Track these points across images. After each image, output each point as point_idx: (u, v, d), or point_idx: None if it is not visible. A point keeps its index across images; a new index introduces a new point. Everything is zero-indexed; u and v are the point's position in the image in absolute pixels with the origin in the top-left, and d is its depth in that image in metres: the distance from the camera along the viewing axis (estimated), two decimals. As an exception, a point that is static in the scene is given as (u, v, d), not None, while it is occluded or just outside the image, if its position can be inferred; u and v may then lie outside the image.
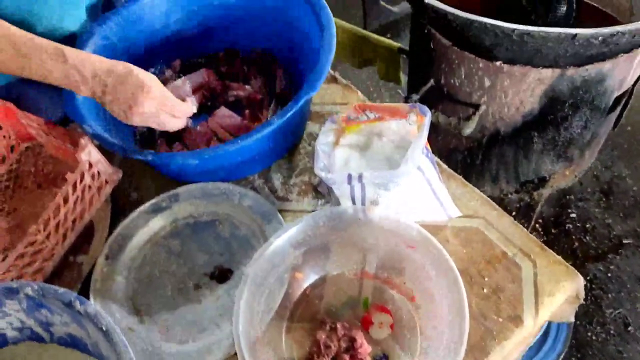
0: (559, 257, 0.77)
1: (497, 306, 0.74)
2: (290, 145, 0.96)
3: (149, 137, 0.97)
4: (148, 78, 0.75)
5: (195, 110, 0.84)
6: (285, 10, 0.96)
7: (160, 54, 1.03)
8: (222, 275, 0.81)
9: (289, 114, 0.79)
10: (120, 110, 0.76)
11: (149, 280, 0.82)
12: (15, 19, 0.81)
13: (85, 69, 0.74)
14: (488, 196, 1.18)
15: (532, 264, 0.77)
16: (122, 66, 0.75)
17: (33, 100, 0.94)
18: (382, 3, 2.18)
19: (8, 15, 0.80)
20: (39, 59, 0.74)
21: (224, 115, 0.98)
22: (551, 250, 0.78)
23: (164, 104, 0.77)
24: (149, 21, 0.99)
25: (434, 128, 0.95)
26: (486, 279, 0.77)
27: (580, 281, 0.77)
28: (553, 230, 1.66)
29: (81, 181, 0.81)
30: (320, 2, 0.89)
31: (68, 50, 0.75)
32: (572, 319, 0.82)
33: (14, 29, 0.75)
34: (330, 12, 0.89)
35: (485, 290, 0.76)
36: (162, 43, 1.02)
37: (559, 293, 0.75)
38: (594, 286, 1.58)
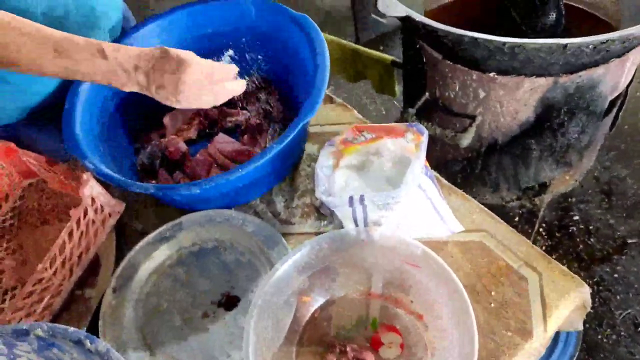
0: (564, 268, 0.78)
1: (505, 320, 0.74)
2: (290, 168, 0.96)
3: (150, 167, 0.98)
4: (184, 53, 0.72)
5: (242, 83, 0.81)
6: (279, 36, 0.97)
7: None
8: (229, 302, 0.81)
9: (287, 139, 0.80)
10: (169, 94, 0.73)
11: (157, 311, 0.82)
12: None
13: (129, 63, 0.72)
14: (489, 204, 1.18)
15: (538, 276, 0.77)
16: (156, 49, 0.73)
17: (35, 141, 0.95)
18: (373, 16, 2.20)
19: None
20: (82, 59, 0.71)
21: (223, 141, 0.98)
22: (556, 262, 0.78)
23: (209, 74, 0.74)
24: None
25: (431, 140, 0.95)
26: (493, 293, 0.77)
27: (587, 290, 0.77)
28: (557, 234, 1.67)
29: (85, 216, 0.81)
30: (313, 28, 0.90)
31: (107, 46, 0.72)
32: (581, 327, 0.83)
33: (50, 30, 0.72)
34: (323, 37, 0.90)
35: (492, 305, 0.76)
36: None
37: (566, 304, 0.75)
38: (601, 288, 1.57)
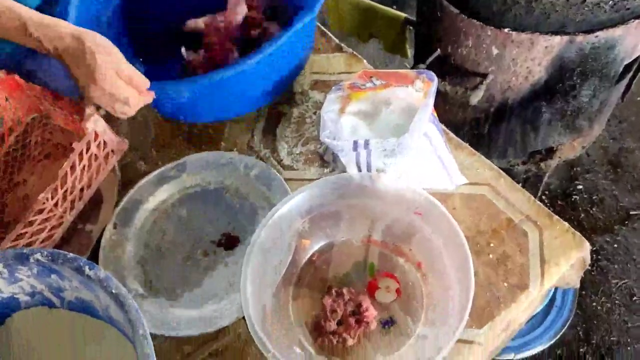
0: (566, 224, 0.77)
1: (503, 274, 0.74)
2: (288, 81, 0.94)
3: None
4: (100, 43, 0.70)
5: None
6: None
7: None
8: (229, 242, 0.81)
9: (291, 31, 0.77)
10: (85, 83, 0.72)
11: (158, 249, 0.83)
12: None
13: (46, 42, 0.70)
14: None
15: (539, 231, 0.77)
16: (75, 42, 0.70)
17: (45, 73, 0.94)
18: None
19: None
20: (9, 27, 0.71)
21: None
22: (558, 217, 0.78)
23: (121, 71, 0.71)
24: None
25: (440, 98, 0.94)
26: (493, 247, 0.77)
27: (587, 247, 0.76)
28: (560, 202, 1.66)
29: (87, 150, 0.80)
30: None
31: (29, 22, 0.71)
32: (578, 285, 0.82)
33: None
34: None
35: (491, 257, 0.76)
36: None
37: (565, 260, 0.75)
38: (600, 257, 1.58)
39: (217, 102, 0.87)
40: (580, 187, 1.70)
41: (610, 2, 0.88)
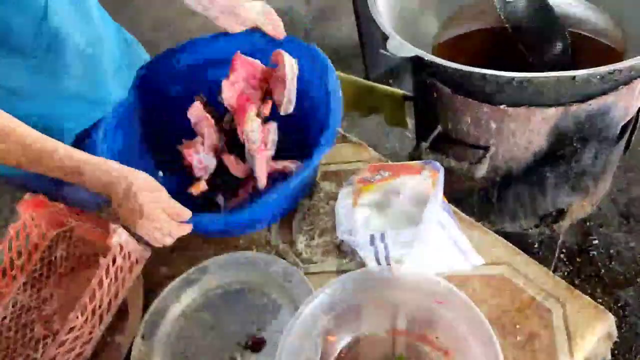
0: (588, 298, 0.78)
1: (532, 354, 0.74)
2: (301, 200, 1.00)
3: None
4: (143, 197, 0.75)
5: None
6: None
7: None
8: (256, 344, 0.82)
9: (307, 170, 0.83)
10: (129, 220, 0.77)
11: (186, 357, 0.83)
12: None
13: (95, 184, 0.76)
14: (508, 233, 1.18)
15: (562, 307, 0.78)
16: (124, 183, 0.76)
17: (68, 193, 0.99)
18: (382, 51, 2.24)
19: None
20: (61, 175, 0.77)
21: None
22: (579, 292, 0.79)
23: (162, 209, 0.77)
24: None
25: (446, 172, 0.96)
26: (518, 327, 0.77)
27: (611, 320, 0.77)
28: (578, 260, 1.65)
29: (113, 264, 0.83)
30: (328, 66, 0.93)
31: (84, 165, 0.76)
32: (609, 357, 0.82)
33: (23, 130, 0.76)
34: (336, 75, 0.93)
35: (518, 339, 0.76)
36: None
37: (591, 334, 0.75)
38: (627, 312, 1.55)
39: (243, 225, 0.94)
40: (596, 242, 1.70)
41: (598, 76, 0.93)
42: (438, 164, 0.79)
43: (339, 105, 0.89)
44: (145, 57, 1.19)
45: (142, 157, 1.00)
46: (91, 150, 0.84)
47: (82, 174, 0.76)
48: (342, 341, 0.77)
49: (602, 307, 0.77)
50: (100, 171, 0.76)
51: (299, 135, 1.04)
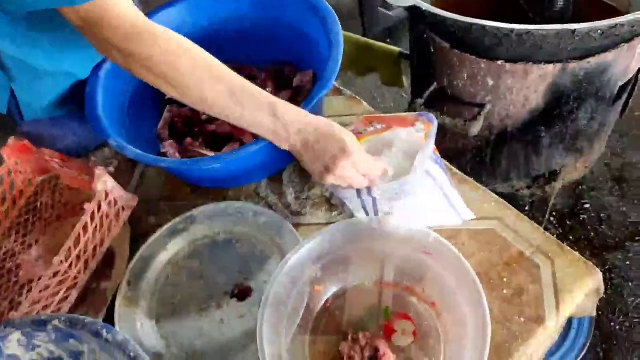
0: (577, 254, 0.77)
1: (519, 308, 0.74)
2: None
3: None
4: (349, 138, 0.72)
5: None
6: (299, 25, 0.97)
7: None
8: (242, 293, 0.81)
9: (310, 106, 0.80)
10: (316, 169, 0.74)
11: (172, 303, 0.83)
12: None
13: (293, 126, 0.73)
14: (500, 193, 1.17)
15: (551, 262, 0.77)
16: (324, 123, 0.73)
17: (58, 139, 0.96)
18: (380, 9, 2.19)
19: None
20: (252, 110, 0.73)
21: None
22: (569, 248, 0.78)
23: (359, 167, 0.73)
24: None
25: (441, 130, 0.95)
26: (506, 281, 0.76)
27: (600, 276, 0.76)
28: (568, 222, 1.65)
29: (99, 210, 0.82)
30: (330, 15, 0.90)
31: (279, 105, 0.73)
32: (594, 313, 0.82)
33: (230, 73, 0.74)
34: (339, 24, 0.90)
35: (505, 292, 0.75)
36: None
37: (579, 290, 0.75)
38: (614, 275, 1.56)
39: (241, 172, 0.91)
40: (588, 205, 1.70)
41: (599, 31, 0.90)
42: (432, 115, 0.76)
43: (341, 47, 0.86)
44: None
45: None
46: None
47: (275, 114, 0.73)
48: (329, 291, 0.77)
49: (591, 263, 0.76)
50: (300, 116, 0.73)
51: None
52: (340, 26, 0.89)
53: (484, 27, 0.93)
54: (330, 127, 0.73)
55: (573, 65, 1.02)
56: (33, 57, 0.88)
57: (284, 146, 0.76)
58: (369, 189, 0.72)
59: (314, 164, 0.74)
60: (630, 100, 1.32)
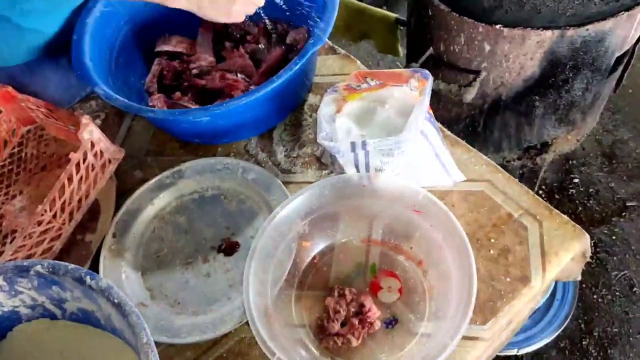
0: (566, 217, 0.77)
1: (505, 268, 0.74)
2: (294, 106, 0.96)
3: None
4: None
5: None
6: None
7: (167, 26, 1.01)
8: (229, 247, 0.81)
9: (298, 66, 0.79)
10: (221, 8, 0.78)
11: (158, 256, 0.82)
12: None
13: None
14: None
15: (539, 225, 0.77)
16: None
17: (41, 86, 0.94)
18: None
19: None
20: None
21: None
22: (557, 211, 0.78)
23: None
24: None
25: (434, 96, 0.94)
26: (493, 241, 0.77)
27: (587, 239, 0.77)
28: (557, 196, 1.66)
29: (84, 160, 0.80)
30: None
31: None
32: (579, 277, 0.83)
33: None
34: None
35: (492, 252, 0.76)
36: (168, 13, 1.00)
37: (566, 252, 0.75)
38: (599, 249, 1.58)
39: (230, 126, 0.89)
40: (576, 180, 1.71)
41: (600, -6, 0.88)
42: (427, 72, 0.75)
43: (336, 4, 0.85)
44: None
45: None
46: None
47: None
48: (317, 247, 0.77)
49: (579, 226, 0.76)
50: None
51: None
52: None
53: (483, -14, 0.91)
54: None
55: (571, 32, 1.01)
56: None
57: (179, 4, 0.77)
58: (363, 143, 0.70)
59: (215, 6, 0.77)
60: (625, 75, 1.31)
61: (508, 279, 0.73)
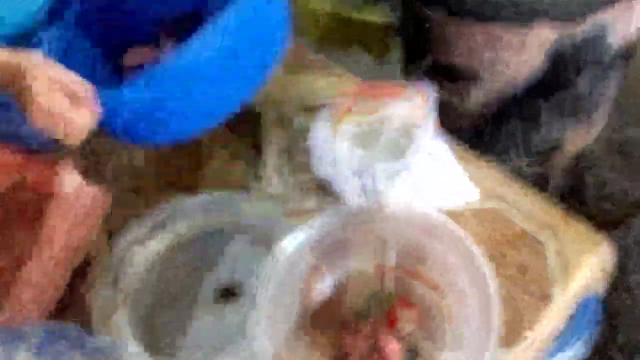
0: (583, 227, 0.80)
1: (524, 286, 0.77)
2: (266, 67, 0.84)
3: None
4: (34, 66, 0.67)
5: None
6: None
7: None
8: (232, 289, 0.82)
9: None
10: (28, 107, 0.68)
11: (156, 305, 0.83)
12: None
13: None
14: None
15: (555, 238, 0.80)
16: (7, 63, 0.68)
17: (7, 123, 0.94)
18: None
19: None
20: None
21: None
22: (574, 221, 0.81)
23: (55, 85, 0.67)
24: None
25: (437, 106, 0.96)
26: (510, 259, 0.79)
27: (607, 249, 0.79)
28: (569, 200, 1.69)
29: (69, 211, 0.81)
30: None
31: None
32: (602, 289, 0.85)
33: None
34: None
35: (510, 272, 0.78)
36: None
37: (586, 264, 0.78)
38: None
39: (177, 111, 0.78)
40: (588, 182, 1.74)
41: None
42: (430, 86, 0.77)
43: None
44: None
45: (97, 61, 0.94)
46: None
47: None
48: (328, 280, 0.78)
49: (597, 235, 0.79)
50: None
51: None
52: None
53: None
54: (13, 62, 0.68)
55: (571, 30, 1.05)
56: None
57: None
58: (369, 169, 0.73)
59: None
60: (630, 70, 1.36)
61: (527, 297, 0.75)
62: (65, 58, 0.82)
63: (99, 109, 0.70)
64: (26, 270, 0.75)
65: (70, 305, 0.84)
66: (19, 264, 0.88)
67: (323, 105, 0.99)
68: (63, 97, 0.68)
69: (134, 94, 0.72)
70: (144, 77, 0.71)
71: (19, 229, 0.94)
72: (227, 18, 0.69)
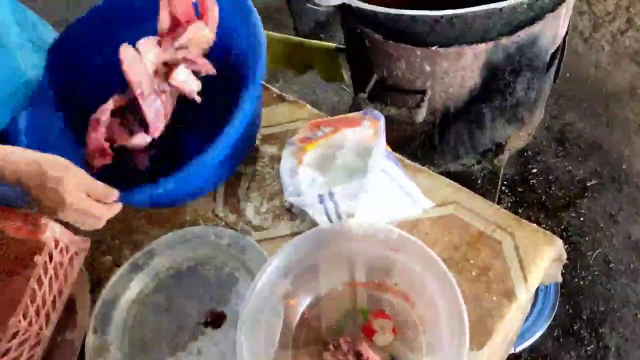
0: (535, 225, 0.80)
1: (488, 285, 0.76)
2: (245, 155, 0.95)
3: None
4: (62, 185, 0.69)
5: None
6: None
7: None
8: (216, 319, 0.80)
9: (239, 118, 0.78)
10: (51, 210, 0.72)
11: (143, 343, 0.81)
12: None
13: (9, 175, 0.70)
14: (452, 172, 1.20)
15: (511, 237, 0.80)
16: (36, 171, 0.69)
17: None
18: (309, 4, 2.18)
19: None
20: None
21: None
22: (526, 220, 0.81)
23: (86, 192, 0.72)
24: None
25: (387, 120, 0.96)
26: (472, 261, 0.79)
27: (559, 243, 0.80)
28: (519, 189, 1.72)
29: (51, 260, 0.78)
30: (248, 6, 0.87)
31: None
32: (560, 279, 0.86)
33: None
34: (257, 15, 0.86)
35: (473, 273, 0.78)
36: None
37: (542, 259, 0.78)
38: (570, 233, 1.63)
39: (181, 192, 0.87)
40: (535, 170, 1.77)
41: (525, 5, 0.93)
42: (378, 112, 0.77)
43: (264, 48, 0.83)
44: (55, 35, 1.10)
45: (65, 139, 0.93)
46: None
47: None
48: (303, 302, 0.77)
49: (549, 232, 0.79)
50: (7, 161, 0.69)
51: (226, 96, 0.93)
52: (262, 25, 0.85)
53: (412, 17, 0.95)
54: (40, 170, 0.69)
55: (504, 41, 1.06)
56: None
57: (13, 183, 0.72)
58: (330, 194, 0.72)
59: (48, 206, 0.72)
60: (561, 65, 1.38)
61: (494, 297, 0.75)
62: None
63: (119, 207, 0.77)
64: (10, 323, 0.71)
65: (57, 352, 0.81)
66: (6, 313, 0.85)
67: (283, 133, 0.99)
68: (87, 198, 0.72)
69: (162, 189, 0.77)
70: (177, 176, 0.77)
71: (2, 278, 0.90)
72: (230, 134, 0.78)
